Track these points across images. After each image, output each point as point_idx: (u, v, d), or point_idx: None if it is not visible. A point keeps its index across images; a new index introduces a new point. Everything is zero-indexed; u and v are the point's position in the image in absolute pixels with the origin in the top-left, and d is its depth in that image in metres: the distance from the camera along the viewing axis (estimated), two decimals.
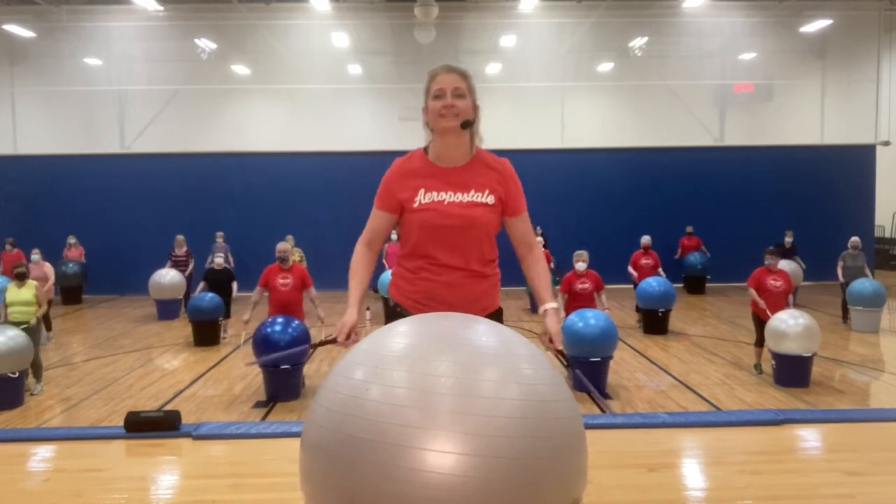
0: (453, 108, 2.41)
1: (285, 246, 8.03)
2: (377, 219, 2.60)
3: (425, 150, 2.58)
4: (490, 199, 2.50)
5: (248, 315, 7.85)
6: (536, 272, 2.61)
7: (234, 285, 10.54)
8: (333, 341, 2.45)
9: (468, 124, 2.45)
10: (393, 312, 2.58)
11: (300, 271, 7.96)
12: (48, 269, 10.61)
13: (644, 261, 11.43)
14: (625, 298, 12.69)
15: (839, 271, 11.07)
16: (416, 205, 2.49)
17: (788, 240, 13.33)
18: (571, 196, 15.63)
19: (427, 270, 2.51)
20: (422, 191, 2.49)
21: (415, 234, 2.52)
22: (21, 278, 7.55)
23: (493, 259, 2.60)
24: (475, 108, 2.49)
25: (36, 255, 10.78)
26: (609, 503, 3.45)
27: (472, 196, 2.49)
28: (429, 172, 2.52)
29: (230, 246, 14.09)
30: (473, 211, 2.47)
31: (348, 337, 2.43)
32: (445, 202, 2.47)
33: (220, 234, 14.04)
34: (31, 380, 7.43)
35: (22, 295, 7.49)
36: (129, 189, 15.37)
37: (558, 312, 2.55)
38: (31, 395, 7.41)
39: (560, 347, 2.44)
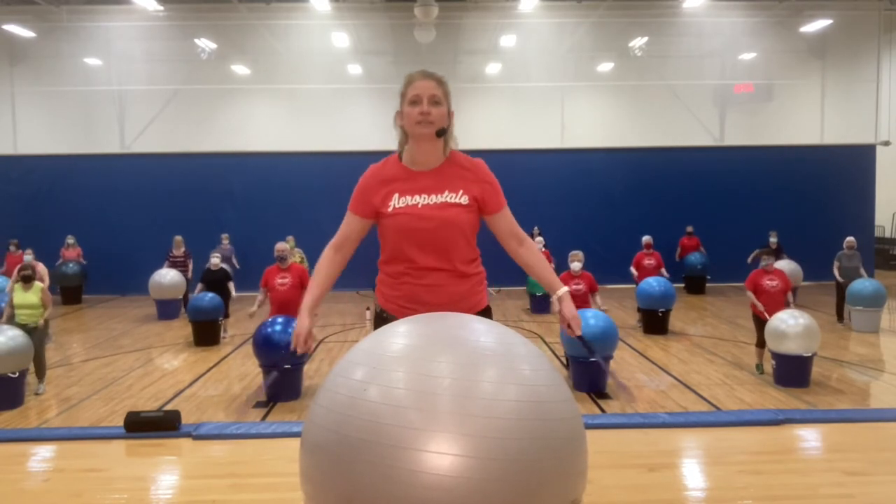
0: (429, 116, 2.43)
1: (284, 246, 8.05)
2: (350, 223, 2.61)
3: (399, 155, 2.60)
4: (464, 200, 2.51)
5: (253, 308, 7.84)
6: (534, 261, 2.61)
7: (231, 286, 10.53)
8: (294, 354, 2.55)
9: (443, 132, 2.48)
10: (380, 318, 2.60)
11: (299, 270, 7.97)
12: (42, 269, 10.56)
13: (647, 261, 11.42)
14: (625, 298, 12.68)
15: (836, 272, 11.08)
16: (390, 209, 2.50)
17: (773, 240, 13.30)
18: (571, 196, 15.63)
19: (408, 274, 2.53)
20: (396, 195, 2.51)
21: (392, 239, 2.54)
22: (27, 281, 7.53)
23: (474, 259, 2.61)
24: (450, 114, 2.51)
25: (28, 256, 10.74)
26: (609, 503, 3.45)
27: (446, 197, 2.50)
28: (403, 177, 2.54)
29: (234, 247, 14.09)
30: (447, 211, 2.49)
31: (306, 343, 2.52)
32: (419, 205, 2.49)
33: (224, 235, 14.03)
34: (31, 378, 7.42)
35: (28, 298, 7.47)
36: (129, 189, 15.35)
37: (570, 297, 2.56)
38: (36, 394, 7.40)
39: (579, 333, 2.47)
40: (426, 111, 2.43)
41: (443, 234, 2.48)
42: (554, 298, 2.54)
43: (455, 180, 2.53)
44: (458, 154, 2.60)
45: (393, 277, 2.57)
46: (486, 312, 2.62)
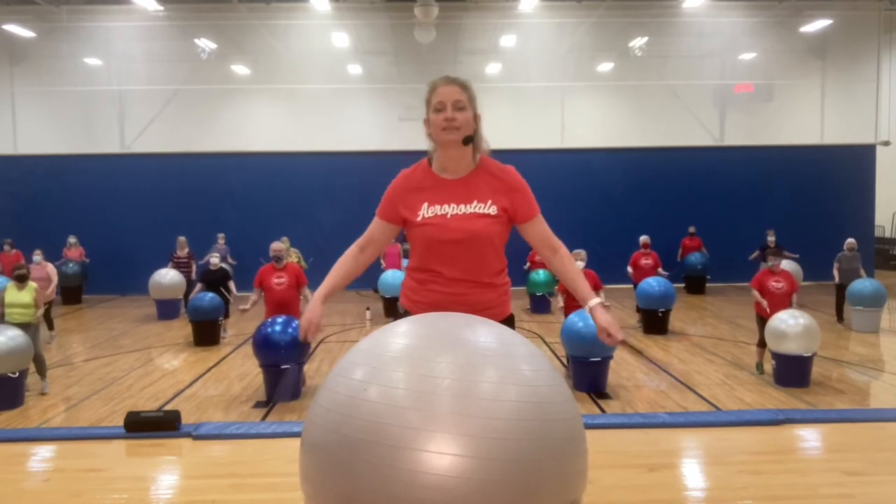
0: (454, 122, 2.42)
1: (279, 245, 8.01)
2: (376, 227, 2.63)
3: (429, 160, 2.59)
4: (493, 210, 2.50)
5: (247, 305, 7.79)
6: (567, 271, 2.61)
7: (231, 285, 10.53)
8: (303, 343, 2.53)
9: (469, 140, 2.47)
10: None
11: (295, 270, 7.94)
12: (51, 269, 10.56)
13: (644, 261, 11.44)
14: (625, 298, 12.68)
15: (836, 273, 11.08)
16: (419, 219, 2.50)
17: (771, 238, 13.28)
18: (571, 196, 15.61)
19: (434, 283, 2.54)
20: (425, 204, 2.50)
21: (420, 248, 2.55)
22: (21, 280, 7.52)
23: (502, 269, 2.61)
24: (476, 118, 2.50)
25: (38, 256, 10.73)
26: (609, 503, 3.45)
27: (475, 207, 2.49)
28: (432, 185, 2.53)
29: (230, 247, 14.08)
30: (476, 224, 2.47)
31: (317, 331, 2.50)
32: (448, 215, 2.48)
33: (221, 235, 14.03)
34: (31, 379, 7.40)
35: (21, 297, 7.46)
36: (129, 189, 15.35)
37: (604, 306, 2.55)
38: (42, 394, 7.40)
39: (621, 337, 2.44)
40: (451, 117, 2.42)
41: (471, 248, 2.48)
42: (587, 308, 2.53)
43: (484, 189, 2.51)
44: (488, 160, 2.58)
45: (419, 284, 2.58)
46: (509, 321, 2.61)
